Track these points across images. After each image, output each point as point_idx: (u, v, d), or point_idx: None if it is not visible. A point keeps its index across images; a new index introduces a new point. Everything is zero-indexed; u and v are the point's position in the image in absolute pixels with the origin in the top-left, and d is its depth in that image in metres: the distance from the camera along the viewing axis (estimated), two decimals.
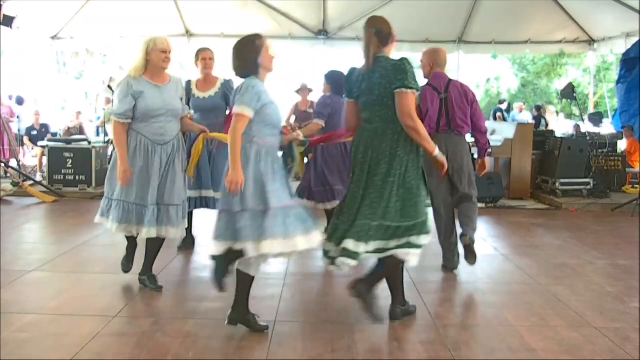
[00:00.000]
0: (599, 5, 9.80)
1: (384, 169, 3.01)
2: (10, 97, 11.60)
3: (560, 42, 11.40)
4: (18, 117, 10.29)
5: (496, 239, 5.61)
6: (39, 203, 7.09)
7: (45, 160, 8.17)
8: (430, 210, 3.18)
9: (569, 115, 10.11)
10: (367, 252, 3.03)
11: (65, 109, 14.07)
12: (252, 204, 2.89)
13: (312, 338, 3.03)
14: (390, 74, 2.98)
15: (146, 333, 3.04)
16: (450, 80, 4.28)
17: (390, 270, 3.18)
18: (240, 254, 2.92)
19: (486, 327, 3.32)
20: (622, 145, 9.65)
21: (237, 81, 3.11)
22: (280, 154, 3.19)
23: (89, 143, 8.07)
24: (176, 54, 4.33)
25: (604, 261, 4.80)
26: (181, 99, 3.67)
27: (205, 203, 4.58)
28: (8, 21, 7.64)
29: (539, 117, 12.59)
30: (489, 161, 4.43)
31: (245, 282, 3.07)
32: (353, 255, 2.98)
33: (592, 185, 7.92)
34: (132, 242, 3.83)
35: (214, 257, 3.04)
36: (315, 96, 8.23)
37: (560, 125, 10.60)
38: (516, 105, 14.22)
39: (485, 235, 5.65)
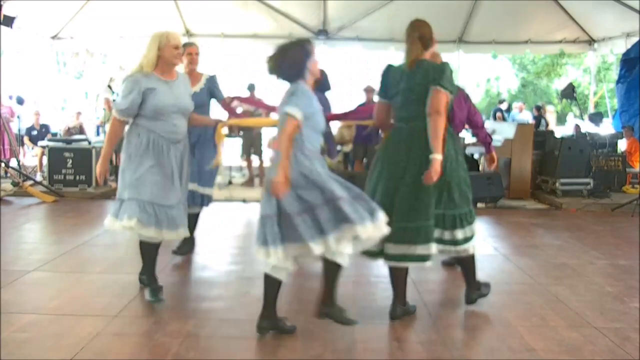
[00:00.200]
0: (599, 5, 9.80)
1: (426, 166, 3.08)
2: (10, 97, 11.59)
3: (560, 42, 11.41)
4: (18, 117, 10.28)
5: (496, 239, 5.61)
6: (39, 203, 7.09)
7: (45, 160, 8.17)
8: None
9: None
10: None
11: (65, 109, 14.08)
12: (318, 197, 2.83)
13: (312, 338, 3.03)
14: (430, 74, 3.14)
15: (146, 333, 3.04)
16: None
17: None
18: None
19: (486, 327, 3.32)
20: (622, 145, 9.65)
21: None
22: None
23: (89, 143, 8.07)
24: None
25: (604, 261, 4.80)
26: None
27: (192, 198, 4.48)
28: (8, 21, 7.65)
29: (539, 117, 12.58)
30: (496, 154, 4.54)
31: (274, 287, 2.99)
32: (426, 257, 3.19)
33: (592, 185, 7.92)
34: (152, 249, 3.52)
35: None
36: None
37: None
38: (516, 105, 14.20)
39: (485, 235, 5.65)
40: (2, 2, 7.47)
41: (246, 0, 10.07)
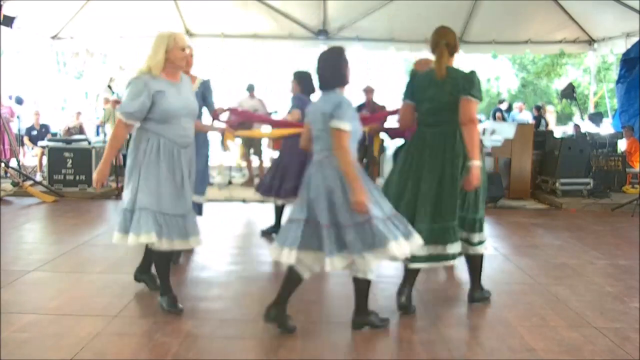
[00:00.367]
0: (599, 5, 9.80)
1: (455, 168, 3.23)
2: (10, 97, 11.59)
3: (560, 42, 11.40)
4: (18, 117, 10.28)
5: (496, 239, 5.61)
6: (39, 203, 7.09)
7: (45, 160, 8.17)
8: None
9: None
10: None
11: (65, 109, 14.07)
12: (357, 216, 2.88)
13: (312, 338, 3.03)
14: (460, 83, 3.23)
15: (146, 333, 3.04)
16: None
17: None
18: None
19: (486, 327, 3.32)
20: (622, 145, 9.64)
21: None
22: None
23: (89, 143, 8.08)
24: None
25: (604, 261, 4.80)
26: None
27: None
28: (8, 21, 7.65)
29: (539, 117, 12.58)
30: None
31: (294, 283, 3.07)
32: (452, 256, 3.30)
33: (592, 185, 7.92)
34: (166, 259, 3.41)
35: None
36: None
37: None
38: (516, 105, 14.19)
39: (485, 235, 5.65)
40: (2, 2, 7.47)
41: (246, 0, 10.06)
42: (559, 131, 13.10)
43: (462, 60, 11.49)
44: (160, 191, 3.19)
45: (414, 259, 3.23)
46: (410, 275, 3.40)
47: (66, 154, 7.78)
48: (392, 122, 4.56)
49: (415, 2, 9.96)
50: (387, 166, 7.99)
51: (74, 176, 7.75)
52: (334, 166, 2.92)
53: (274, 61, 18.59)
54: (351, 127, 2.88)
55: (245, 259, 4.70)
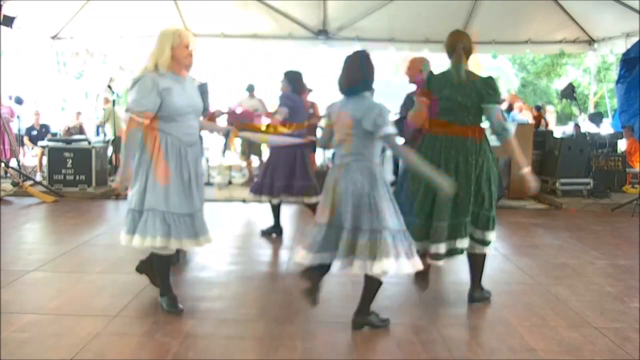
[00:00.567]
0: (599, 5, 9.80)
1: (469, 166, 3.37)
2: (10, 97, 11.59)
3: (560, 42, 11.40)
4: (18, 117, 10.28)
5: (496, 239, 5.59)
6: (39, 203, 7.09)
7: (45, 160, 8.17)
8: None
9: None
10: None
11: (65, 109, 14.07)
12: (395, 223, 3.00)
13: (312, 338, 3.03)
14: (482, 89, 3.32)
15: (146, 333, 3.04)
16: None
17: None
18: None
19: (486, 327, 3.32)
20: (622, 145, 9.64)
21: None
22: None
23: (89, 143, 8.07)
24: None
25: (604, 261, 4.80)
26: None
27: None
28: (8, 21, 7.64)
29: (539, 117, 12.56)
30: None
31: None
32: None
33: (592, 185, 7.92)
34: (167, 259, 3.39)
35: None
36: (315, 96, 8.24)
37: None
38: (516, 105, 14.18)
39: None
40: (2, 2, 7.47)
41: (246, 0, 10.06)
42: (559, 131, 13.09)
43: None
44: (168, 190, 3.17)
45: (436, 256, 3.38)
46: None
47: (66, 154, 7.78)
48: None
49: (415, 2, 9.95)
50: (388, 165, 7.98)
51: (74, 176, 7.75)
52: (362, 170, 2.99)
53: (274, 61, 18.60)
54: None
55: (245, 259, 4.71)
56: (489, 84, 3.34)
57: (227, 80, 16.65)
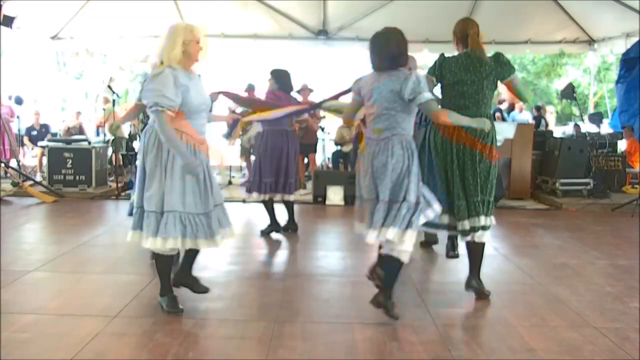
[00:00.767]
0: (599, 5, 9.80)
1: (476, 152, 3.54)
2: (10, 97, 11.60)
3: (560, 42, 11.41)
4: (18, 117, 10.29)
5: (496, 239, 5.60)
6: (39, 203, 7.09)
7: (45, 160, 8.17)
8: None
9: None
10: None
11: (65, 109, 14.07)
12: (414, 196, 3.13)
13: (312, 338, 3.03)
14: (495, 67, 3.49)
15: (146, 333, 3.04)
16: None
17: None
18: None
19: (486, 327, 3.32)
20: (622, 145, 9.64)
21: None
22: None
23: (89, 143, 8.08)
24: None
25: (604, 261, 4.80)
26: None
27: None
28: (8, 21, 7.65)
29: (539, 117, 12.58)
30: None
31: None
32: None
33: (592, 185, 7.92)
34: (169, 260, 3.36)
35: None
36: (315, 95, 8.24)
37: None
38: (516, 105, 14.19)
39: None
40: (2, 2, 7.47)
41: (246, 0, 10.07)
42: (559, 131, 13.10)
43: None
44: (185, 190, 3.14)
45: (464, 232, 3.57)
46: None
47: (66, 154, 7.78)
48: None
49: (415, 2, 9.96)
50: None
51: (73, 176, 7.75)
52: (402, 144, 3.08)
53: (274, 61, 18.60)
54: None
55: (245, 259, 4.71)
56: (501, 60, 3.51)
57: (227, 80, 16.64)
